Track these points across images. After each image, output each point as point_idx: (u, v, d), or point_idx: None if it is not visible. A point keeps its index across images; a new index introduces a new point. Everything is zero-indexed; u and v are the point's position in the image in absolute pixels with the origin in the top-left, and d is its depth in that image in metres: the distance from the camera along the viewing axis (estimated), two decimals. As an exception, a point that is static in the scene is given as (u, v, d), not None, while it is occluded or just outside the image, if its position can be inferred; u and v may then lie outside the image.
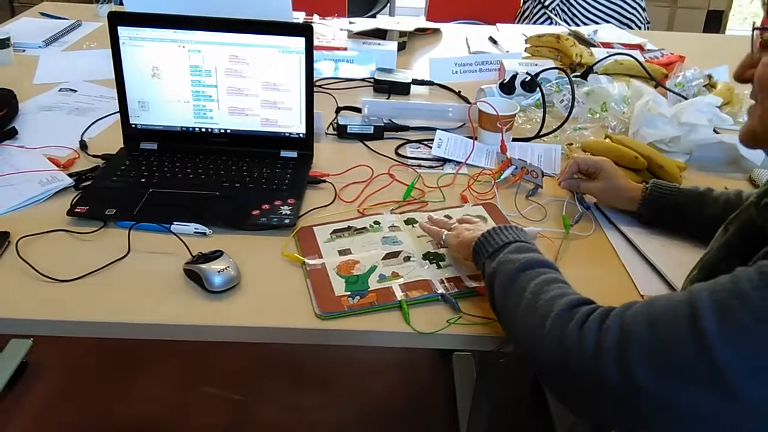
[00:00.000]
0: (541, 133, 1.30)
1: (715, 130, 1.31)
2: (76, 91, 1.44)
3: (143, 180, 1.09)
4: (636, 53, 1.65)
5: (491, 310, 0.79)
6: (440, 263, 0.92)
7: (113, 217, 0.99)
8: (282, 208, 1.03)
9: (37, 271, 0.87)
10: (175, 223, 0.98)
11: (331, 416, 1.70)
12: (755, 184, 1.21)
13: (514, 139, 1.28)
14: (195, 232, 0.97)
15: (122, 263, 0.91)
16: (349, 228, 1.00)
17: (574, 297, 0.70)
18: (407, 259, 0.93)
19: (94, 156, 1.17)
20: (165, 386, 1.76)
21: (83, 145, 1.21)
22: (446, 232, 0.94)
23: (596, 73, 1.49)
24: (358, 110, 1.39)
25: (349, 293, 0.86)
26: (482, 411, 1.46)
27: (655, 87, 1.50)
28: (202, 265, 0.86)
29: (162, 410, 1.69)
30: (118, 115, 1.17)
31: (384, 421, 1.70)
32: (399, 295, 0.85)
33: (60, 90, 1.44)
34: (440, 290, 0.86)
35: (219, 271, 0.85)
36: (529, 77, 1.40)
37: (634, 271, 0.94)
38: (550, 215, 1.07)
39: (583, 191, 1.08)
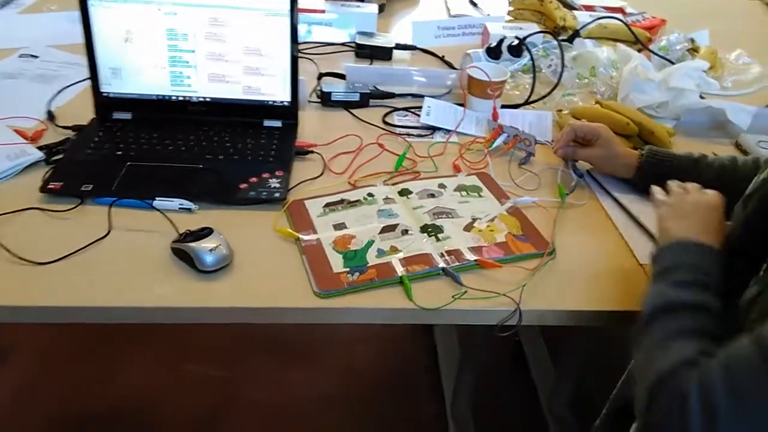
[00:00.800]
0: (531, 100, 1.27)
1: (700, 96, 1.30)
2: (37, 57, 1.34)
3: (119, 153, 1.02)
4: (618, 16, 1.63)
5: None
6: (438, 236, 0.89)
7: (90, 194, 0.93)
8: (270, 180, 0.98)
9: (12, 252, 0.81)
10: (157, 198, 0.92)
11: (317, 391, 1.69)
12: (741, 149, 1.21)
13: (503, 106, 1.25)
14: (180, 208, 0.92)
15: (103, 243, 0.85)
16: (342, 201, 0.96)
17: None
18: (405, 232, 0.90)
19: (63, 127, 1.09)
20: (146, 366, 1.71)
21: (51, 116, 1.13)
22: (662, 197, 0.83)
23: (582, 37, 1.47)
24: (342, 76, 1.34)
25: (347, 269, 0.83)
26: (466, 380, 1.47)
27: (640, 51, 1.48)
28: (192, 244, 0.81)
29: (143, 391, 1.65)
30: (88, 82, 1.09)
31: (370, 393, 1.70)
32: (399, 270, 0.83)
33: (20, 56, 1.34)
34: (441, 264, 0.84)
35: (210, 250, 0.81)
36: (517, 41, 1.36)
37: (631, 238, 0.94)
38: (544, 183, 1.05)
39: (579, 159, 1.06)
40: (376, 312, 0.79)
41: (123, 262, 0.82)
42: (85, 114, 1.11)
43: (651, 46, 1.49)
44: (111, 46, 1.06)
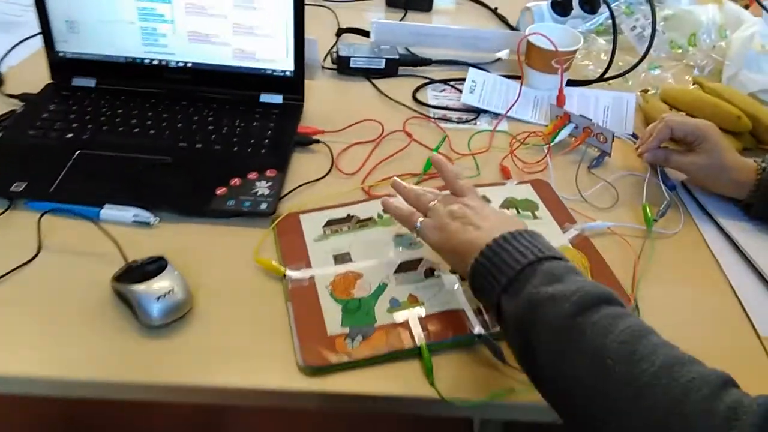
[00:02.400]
0: (607, 76, 0.98)
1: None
2: (0, -4, 1.11)
3: (70, 135, 0.79)
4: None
5: (523, 370, 0.53)
6: (476, 279, 0.65)
7: (23, 194, 0.71)
8: (258, 183, 0.74)
9: None
10: (107, 206, 0.70)
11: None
12: None
13: (568, 82, 0.97)
14: (134, 222, 0.70)
15: (25, 271, 0.64)
16: (348, 218, 0.72)
17: (707, 374, 0.44)
18: (430, 273, 0.66)
19: (10, 96, 0.87)
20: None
21: (-2, 79, 0.90)
22: (421, 218, 0.64)
23: (676, -12, 1.14)
24: (367, 33, 1.07)
25: (346, 330, 0.60)
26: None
27: (746, 7, 1.15)
28: (135, 287, 0.59)
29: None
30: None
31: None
32: (418, 334, 0.59)
33: (-25, -6, 1.10)
34: (477, 328, 0.60)
35: (159, 297, 0.59)
36: (593, -6, 1.05)
37: (745, 293, 0.68)
38: (622, 199, 0.79)
39: (672, 167, 0.79)
40: (383, 401, 0.57)
41: (47, 302, 0.61)
42: (43, 77, 0.88)
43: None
44: (63, -8, 0.82)
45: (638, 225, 0.75)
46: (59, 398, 0.58)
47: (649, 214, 0.74)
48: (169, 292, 0.59)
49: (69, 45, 0.86)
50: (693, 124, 0.76)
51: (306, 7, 0.82)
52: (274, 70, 0.87)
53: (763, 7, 1.12)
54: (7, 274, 0.63)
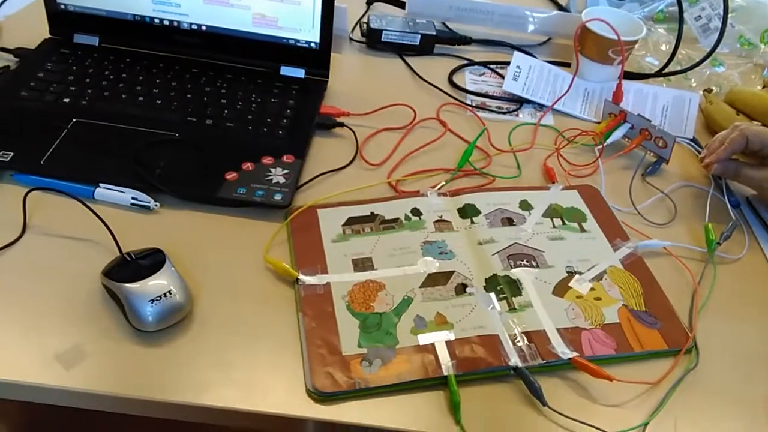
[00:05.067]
0: (666, 70, 0.88)
1: None
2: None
3: (67, 100, 0.71)
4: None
5: None
6: (514, 300, 0.57)
7: (9, 165, 0.63)
8: (273, 170, 0.66)
9: None
10: (102, 185, 0.62)
11: None
12: None
13: (624, 75, 0.87)
14: (132, 204, 0.62)
15: (7, 254, 0.57)
16: (372, 217, 0.64)
17: None
18: (461, 288, 0.58)
19: (3, 50, 0.78)
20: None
21: (-8, 30, 0.82)
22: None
23: (747, -25, 1.03)
24: (401, 4, 0.97)
25: (364, 351, 0.52)
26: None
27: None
28: (127, 285, 0.52)
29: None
30: (42, -13, 0.77)
31: None
32: (446, 363, 0.52)
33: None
34: (514, 359, 0.52)
35: (154, 299, 0.51)
36: (655, -24, 0.95)
37: (817, 334, 0.59)
38: (681, 214, 0.70)
39: (742, 181, 0.70)
40: (399, 438, 0.50)
41: (28, 293, 0.54)
42: (41, 30, 0.80)
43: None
44: (66, -64, 0.73)
45: (698, 247, 0.66)
46: (29, 403, 0.51)
47: (712, 236, 0.65)
48: (165, 293, 0.52)
49: (72, -3, 0.77)
50: (769, 134, 0.67)
51: (338, -30, 0.72)
52: (297, 41, 0.78)
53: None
54: (-16, 257, 0.56)
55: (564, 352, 0.53)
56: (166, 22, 0.78)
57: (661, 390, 0.53)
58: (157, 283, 0.52)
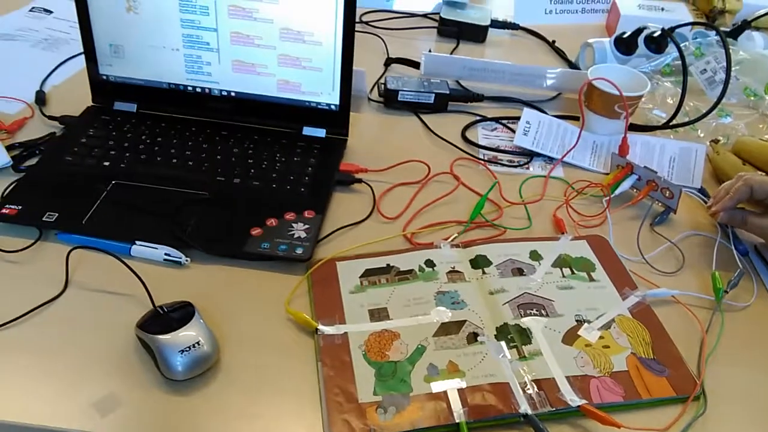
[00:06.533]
0: (673, 123, 0.91)
1: None
2: (51, 12, 1.11)
3: (107, 164, 0.77)
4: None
5: None
6: (523, 349, 0.60)
7: (54, 226, 0.69)
8: (294, 225, 0.70)
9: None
10: (138, 243, 0.67)
11: None
12: None
13: (631, 126, 0.90)
14: (165, 259, 0.67)
15: (52, 307, 0.62)
16: (388, 269, 0.68)
17: None
18: (473, 337, 0.61)
19: (50, 118, 0.85)
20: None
21: (41, 98, 0.89)
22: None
23: (752, 28, 1.07)
24: (416, 64, 1.03)
25: (379, 399, 0.55)
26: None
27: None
28: (159, 337, 0.56)
29: None
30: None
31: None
32: (458, 410, 0.54)
33: (31, 9, 1.11)
34: (524, 406, 0.55)
35: (183, 350, 0.55)
36: (661, 31, 0.98)
37: (828, 382, 0.60)
38: (689, 263, 0.72)
39: (748, 229, 0.72)
40: (413, 485, 0.52)
41: (69, 344, 0.58)
42: (84, 99, 0.87)
43: None
44: (110, 16, 0.80)
45: (705, 295, 0.68)
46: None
47: (719, 284, 0.67)
48: (194, 344, 0.55)
49: (113, 69, 0.84)
50: (773, 185, 0.69)
51: (355, 34, 0.78)
52: (318, 103, 0.84)
53: None
54: (32, 311, 0.60)
55: (573, 399, 0.55)
56: (198, 90, 0.84)
57: (670, 437, 0.54)
58: (187, 334, 0.56)
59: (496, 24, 1.18)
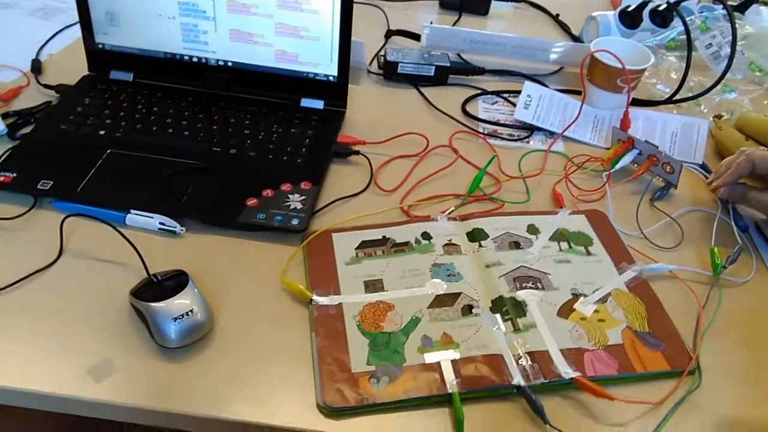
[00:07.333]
0: (676, 98, 0.90)
1: None
2: (47, -19, 1.09)
3: (102, 132, 0.77)
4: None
5: None
6: (518, 321, 0.59)
7: (49, 193, 0.68)
8: (291, 196, 0.70)
9: None
10: (133, 211, 0.67)
11: None
12: None
13: (633, 101, 0.89)
14: (160, 229, 0.67)
15: (47, 274, 0.61)
16: (384, 240, 0.67)
17: None
18: (468, 309, 0.60)
19: (46, 86, 0.85)
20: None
21: (36, 67, 0.88)
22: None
23: (759, 2, 1.05)
24: (417, 37, 1.01)
25: (372, 369, 0.55)
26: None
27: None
28: (153, 304, 0.56)
29: None
30: (81, 28, 0.84)
31: None
32: (450, 381, 0.54)
33: (28, -22, 1.09)
34: (517, 377, 0.55)
35: (177, 318, 0.55)
36: (666, 4, 0.97)
37: (824, 358, 0.60)
38: (688, 238, 0.72)
39: (749, 205, 0.71)
40: (405, 453, 0.52)
41: (63, 311, 0.58)
42: (80, 68, 0.86)
43: None
44: (105, -18, 0.79)
45: (704, 270, 0.67)
46: (60, 414, 0.55)
47: (718, 259, 0.67)
48: (188, 312, 0.55)
49: (108, 37, 0.83)
50: (777, 160, 0.68)
51: (355, 5, 0.77)
52: (316, 74, 0.82)
53: None
54: (27, 277, 0.60)
55: (566, 372, 0.55)
56: (195, 59, 0.83)
57: (663, 410, 0.54)
58: (180, 302, 0.56)
59: (500, -4, 1.16)
